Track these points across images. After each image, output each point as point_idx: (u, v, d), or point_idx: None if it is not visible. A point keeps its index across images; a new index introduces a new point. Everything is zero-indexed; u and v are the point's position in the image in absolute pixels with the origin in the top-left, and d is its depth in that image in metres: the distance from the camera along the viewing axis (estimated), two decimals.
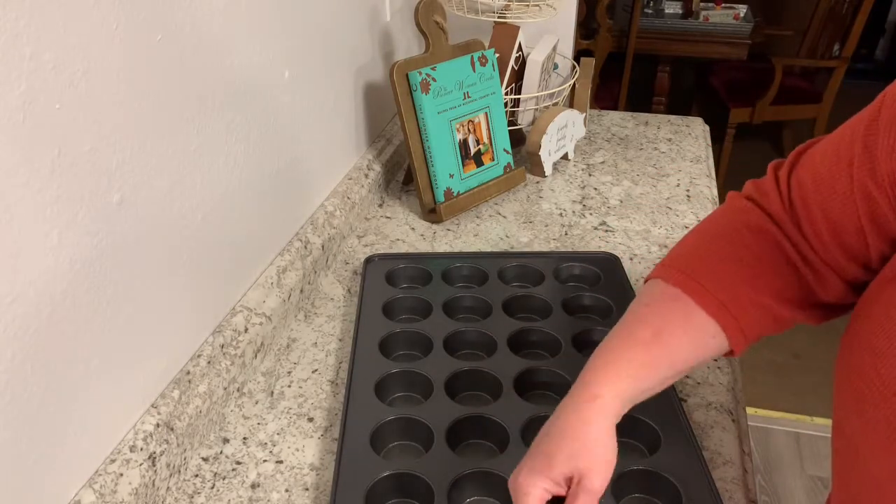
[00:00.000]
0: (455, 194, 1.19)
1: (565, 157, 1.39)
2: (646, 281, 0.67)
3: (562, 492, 0.55)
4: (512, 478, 0.56)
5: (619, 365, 0.59)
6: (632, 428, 0.74)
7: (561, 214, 1.22)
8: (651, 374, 0.60)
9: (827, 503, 0.66)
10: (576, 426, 0.56)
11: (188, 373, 0.76)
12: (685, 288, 0.60)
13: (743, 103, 3.34)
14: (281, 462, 0.75)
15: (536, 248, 1.12)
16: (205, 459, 0.75)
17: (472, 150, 1.22)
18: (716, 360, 0.88)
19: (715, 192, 1.31)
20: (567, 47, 1.60)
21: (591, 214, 1.21)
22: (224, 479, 0.73)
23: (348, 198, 1.14)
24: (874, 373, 0.48)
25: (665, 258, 0.66)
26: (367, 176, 1.21)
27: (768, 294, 0.60)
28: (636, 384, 0.59)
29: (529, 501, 0.54)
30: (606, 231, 1.17)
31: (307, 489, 0.72)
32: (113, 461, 0.65)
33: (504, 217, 1.21)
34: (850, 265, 0.57)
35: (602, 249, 1.10)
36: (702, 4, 3.47)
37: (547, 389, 0.81)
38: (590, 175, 1.35)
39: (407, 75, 1.13)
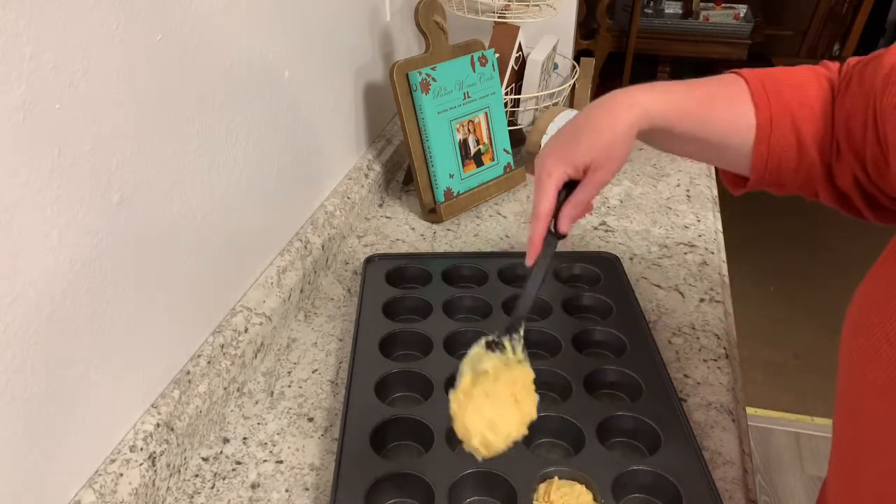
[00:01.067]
0: (455, 194, 1.19)
1: None
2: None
3: (578, 176, 0.65)
4: (539, 159, 0.66)
5: (669, 98, 0.65)
6: (632, 428, 0.75)
7: None
8: (687, 121, 0.65)
9: (823, 485, 0.67)
10: (607, 124, 0.64)
11: (188, 373, 0.76)
12: (751, 83, 0.65)
13: None
14: (281, 462, 0.75)
15: None
16: (205, 459, 0.75)
17: (472, 150, 1.22)
18: (715, 359, 0.88)
19: (715, 191, 1.31)
20: (567, 47, 1.60)
21: (591, 214, 1.21)
22: (224, 479, 0.73)
23: (348, 198, 1.14)
24: (881, 332, 0.49)
25: (746, 70, 0.69)
26: (367, 176, 1.21)
27: (810, 137, 0.63)
28: (672, 119, 0.65)
29: (552, 181, 0.64)
30: (606, 231, 1.17)
31: (307, 489, 0.72)
32: (113, 461, 0.65)
33: (504, 217, 1.21)
34: (849, 155, 0.61)
35: (602, 249, 1.09)
36: (702, 4, 3.47)
37: (547, 389, 0.81)
38: None
39: (407, 75, 1.13)
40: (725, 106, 0.65)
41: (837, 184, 0.63)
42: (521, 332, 0.63)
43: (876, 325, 0.50)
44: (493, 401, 0.60)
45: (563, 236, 0.66)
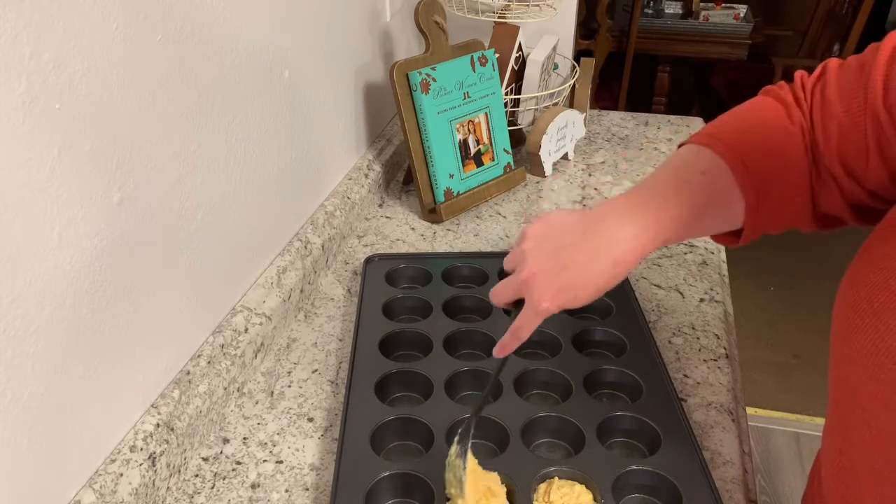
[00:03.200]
0: (455, 194, 1.19)
1: (565, 157, 1.39)
2: (683, 144, 0.70)
3: None
4: (537, 287, 0.63)
5: (669, 215, 0.63)
6: (632, 428, 0.75)
7: None
8: (682, 234, 0.65)
9: (816, 460, 0.67)
10: (611, 278, 0.62)
11: (188, 373, 0.76)
12: (735, 169, 0.63)
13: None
14: (281, 462, 0.75)
15: None
16: (205, 459, 0.75)
17: (472, 150, 1.22)
18: (715, 359, 0.88)
19: None
20: (567, 47, 1.60)
21: None
22: (224, 479, 0.73)
23: (348, 198, 1.14)
24: (867, 305, 0.51)
25: (712, 129, 0.68)
26: (367, 176, 1.21)
27: (790, 191, 0.64)
28: (669, 238, 0.64)
29: (542, 319, 0.64)
30: None
31: (307, 489, 0.72)
32: (113, 461, 0.65)
33: (504, 217, 1.21)
34: (847, 179, 0.60)
35: None
36: (702, 4, 3.47)
37: (546, 389, 0.81)
38: (590, 175, 1.35)
39: (407, 75, 1.13)
40: (720, 205, 0.65)
41: (823, 211, 0.64)
42: (469, 443, 0.65)
43: (864, 298, 0.52)
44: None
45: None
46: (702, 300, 0.99)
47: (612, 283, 0.63)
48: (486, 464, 0.68)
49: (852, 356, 0.53)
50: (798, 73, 0.67)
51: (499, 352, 0.66)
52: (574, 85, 1.42)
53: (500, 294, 0.67)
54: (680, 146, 0.70)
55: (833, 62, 0.63)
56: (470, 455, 0.65)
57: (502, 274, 0.99)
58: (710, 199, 0.64)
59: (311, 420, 0.80)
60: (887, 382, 0.49)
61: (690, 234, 0.67)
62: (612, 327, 0.88)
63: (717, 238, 0.72)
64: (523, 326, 0.64)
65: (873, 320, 0.51)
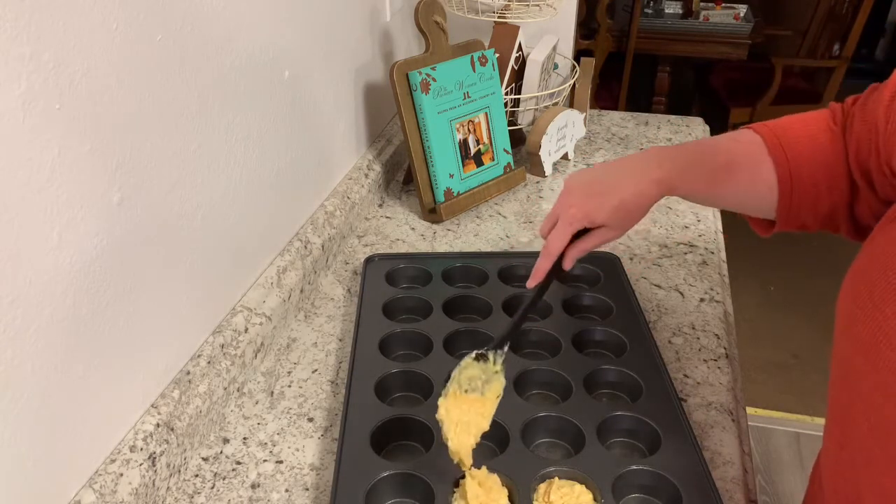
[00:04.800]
0: (455, 194, 1.19)
1: (565, 156, 1.39)
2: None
3: (593, 227, 0.72)
4: (566, 199, 0.72)
5: (692, 171, 0.70)
6: (632, 428, 0.75)
7: None
8: (711, 190, 0.72)
9: (817, 460, 0.68)
10: (633, 194, 0.70)
11: (188, 373, 0.76)
12: (769, 142, 0.69)
13: (743, 103, 3.33)
14: (281, 462, 0.75)
15: (536, 247, 1.12)
16: (205, 459, 0.75)
17: (472, 150, 1.22)
18: (715, 359, 0.88)
19: None
20: (567, 47, 1.60)
21: None
22: (224, 479, 0.73)
23: (348, 198, 1.14)
24: (867, 297, 0.53)
25: (760, 124, 0.74)
26: (367, 176, 1.21)
27: (826, 180, 0.67)
28: (697, 190, 0.72)
29: (570, 228, 0.71)
30: None
31: (307, 489, 0.72)
32: (113, 461, 0.65)
33: (504, 217, 1.21)
34: (866, 190, 0.64)
35: (602, 249, 1.09)
36: (702, 4, 3.47)
37: (546, 389, 0.81)
38: None
39: (407, 75, 1.13)
40: (747, 168, 0.70)
41: (859, 220, 0.67)
42: (505, 349, 0.70)
43: (864, 291, 0.53)
44: (467, 407, 0.68)
45: (564, 272, 0.74)
46: (702, 300, 0.99)
47: (634, 199, 0.69)
48: (486, 464, 0.68)
49: (853, 347, 0.54)
50: (849, 98, 0.71)
51: (532, 281, 0.73)
52: (574, 85, 1.42)
53: (545, 222, 0.75)
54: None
55: (881, 85, 0.66)
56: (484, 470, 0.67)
57: (502, 274, 1.00)
58: (733, 161, 0.70)
59: (311, 420, 0.80)
60: (886, 370, 0.50)
61: (720, 194, 0.72)
62: (612, 327, 0.88)
63: (753, 223, 0.75)
64: (554, 239, 0.71)
65: (873, 311, 0.52)
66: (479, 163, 1.23)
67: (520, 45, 1.33)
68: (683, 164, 0.70)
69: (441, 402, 0.67)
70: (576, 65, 1.49)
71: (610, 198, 0.69)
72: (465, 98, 1.19)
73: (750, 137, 0.71)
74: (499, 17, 1.33)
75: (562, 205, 0.72)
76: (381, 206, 1.26)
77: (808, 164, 0.68)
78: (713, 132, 1.58)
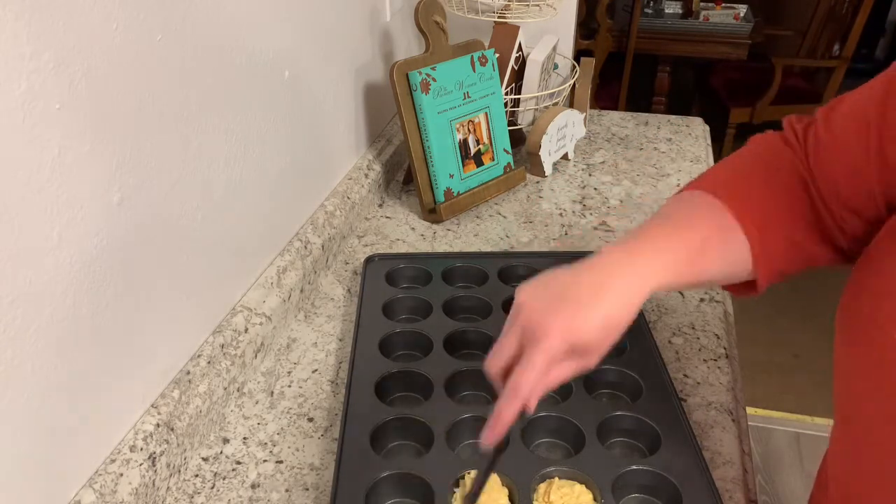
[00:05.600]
0: (455, 194, 1.19)
1: (565, 157, 1.39)
2: (681, 192, 0.68)
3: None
4: (536, 321, 0.54)
5: (667, 257, 0.59)
6: (632, 428, 0.75)
7: (561, 214, 1.22)
8: (686, 278, 0.60)
9: (823, 461, 0.68)
10: (616, 302, 0.56)
11: (188, 373, 0.76)
12: (731, 206, 0.62)
13: (743, 103, 3.34)
14: (281, 462, 0.75)
15: (536, 248, 1.12)
16: (205, 459, 0.75)
17: (472, 150, 1.22)
18: (715, 359, 0.88)
19: None
20: (567, 47, 1.60)
21: (590, 214, 1.21)
22: (224, 479, 0.73)
23: (348, 198, 1.14)
24: (869, 319, 0.52)
25: (702, 179, 0.66)
26: (367, 176, 1.21)
27: (798, 227, 0.62)
28: (672, 284, 0.59)
29: (548, 360, 0.54)
30: (606, 231, 1.17)
31: (307, 489, 0.72)
32: (113, 461, 0.65)
33: (504, 217, 1.21)
34: (853, 218, 0.60)
35: None
36: (702, 4, 3.47)
37: None
38: (590, 175, 1.35)
39: (407, 75, 1.13)
40: (718, 246, 0.62)
41: (841, 249, 0.63)
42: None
43: (865, 311, 0.52)
44: None
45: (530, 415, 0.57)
46: (702, 300, 0.99)
47: (619, 315, 0.56)
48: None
49: (855, 370, 0.53)
50: (786, 119, 0.67)
51: (491, 435, 0.55)
52: (574, 85, 1.42)
53: (496, 355, 0.56)
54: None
55: (824, 109, 0.63)
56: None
57: (502, 274, 1.00)
58: (705, 239, 0.61)
59: (311, 420, 0.80)
60: (891, 397, 0.49)
61: (695, 279, 0.62)
62: None
63: (733, 289, 0.68)
64: (527, 379, 0.54)
65: (877, 333, 0.50)
66: (479, 163, 1.23)
67: (520, 45, 1.33)
68: (650, 250, 0.60)
69: None
70: (576, 65, 1.49)
71: (592, 310, 0.55)
72: (465, 98, 1.19)
73: (709, 205, 0.62)
74: (499, 17, 1.33)
75: (526, 328, 0.55)
76: (381, 206, 1.26)
77: (777, 220, 0.62)
78: (713, 132, 1.58)
